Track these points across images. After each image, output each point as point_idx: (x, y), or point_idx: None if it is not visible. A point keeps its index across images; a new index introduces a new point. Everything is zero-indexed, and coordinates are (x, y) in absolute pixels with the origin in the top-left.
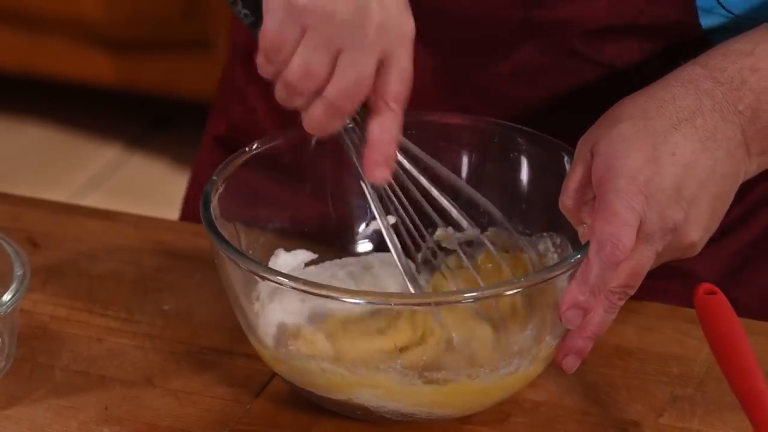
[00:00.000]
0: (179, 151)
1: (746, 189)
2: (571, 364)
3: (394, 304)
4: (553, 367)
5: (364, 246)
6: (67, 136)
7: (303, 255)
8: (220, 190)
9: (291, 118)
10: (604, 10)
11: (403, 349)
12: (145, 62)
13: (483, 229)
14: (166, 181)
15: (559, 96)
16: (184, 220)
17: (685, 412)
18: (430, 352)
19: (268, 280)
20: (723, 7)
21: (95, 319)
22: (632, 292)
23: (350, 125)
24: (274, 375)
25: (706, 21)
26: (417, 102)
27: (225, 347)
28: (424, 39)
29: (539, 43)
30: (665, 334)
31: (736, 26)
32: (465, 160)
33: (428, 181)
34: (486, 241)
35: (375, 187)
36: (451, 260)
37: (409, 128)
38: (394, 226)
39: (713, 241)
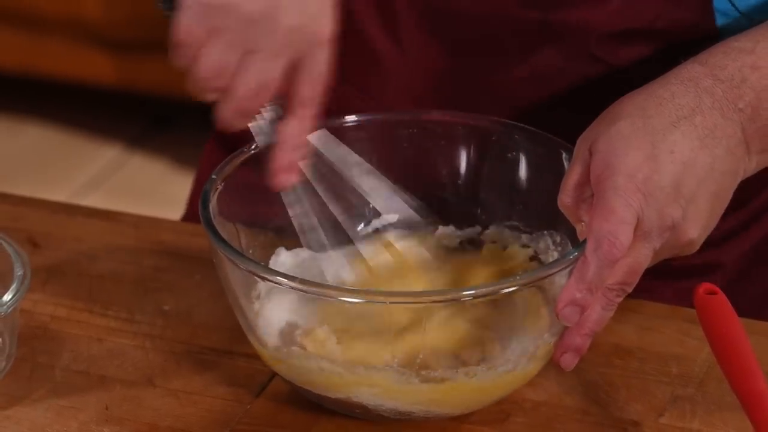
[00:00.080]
0: (179, 151)
1: (748, 195)
2: (569, 361)
3: (391, 303)
4: (553, 366)
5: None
6: (67, 136)
7: (304, 253)
8: (220, 189)
9: None
10: (619, 14)
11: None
12: (146, 62)
13: (483, 227)
14: (167, 181)
15: (573, 98)
16: (188, 219)
17: (685, 411)
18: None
19: (267, 280)
20: (737, 8)
21: (95, 319)
22: (630, 290)
23: (265, 122)
24: (274, 375)
25: (720, 22)
26: (432, 103)
27: (225, 347)
28: (440, 40)
29: (556, 47)
30: (665, 333)
31: (746, 25)
32: (464, 159)
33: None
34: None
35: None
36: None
37: (409, 127)
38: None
39: (716, 245)
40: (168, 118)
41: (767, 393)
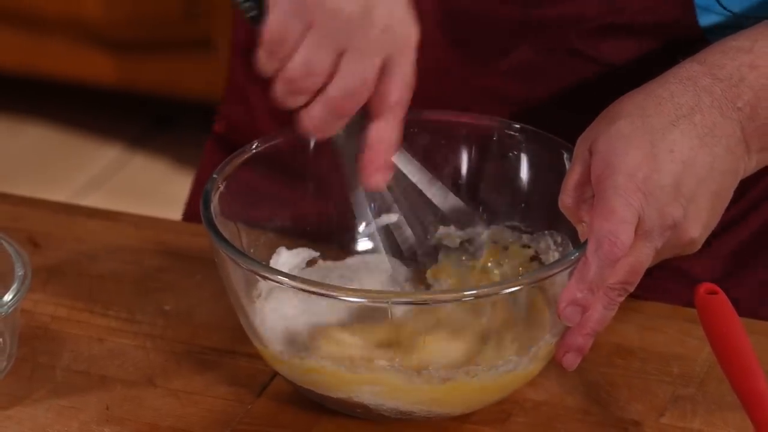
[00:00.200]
0: (180, 152)
1: (747, 185)
2: (571, 361)
3: (392, 303)
4: (554, 366)
5: (364, 244)
6: (67, 136)
7: (305, 253)
8: (221, 188)
9: (291, 118)
10: (598, 8)
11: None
12: (146, 62)
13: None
14: (167, 181)
15: (557, 95)
16: (188, 219)
17: (686, 411)
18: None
19: (269, 279)
20: (721, 5)
21: (96, 319)
22: (631, 289)
23: (342, 131)
24: (275, 374)
25: (704, 19)
26: (415, 101)
27: (226, 347)
28: (422, 37)
29: (538, 41)
30: (666, 333)
31: (735, 24)
32: (465, 159)
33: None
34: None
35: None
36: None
37: (409, 127)
38: (394, 225)
39: (713, 236)
40: (169, 118)
41: None
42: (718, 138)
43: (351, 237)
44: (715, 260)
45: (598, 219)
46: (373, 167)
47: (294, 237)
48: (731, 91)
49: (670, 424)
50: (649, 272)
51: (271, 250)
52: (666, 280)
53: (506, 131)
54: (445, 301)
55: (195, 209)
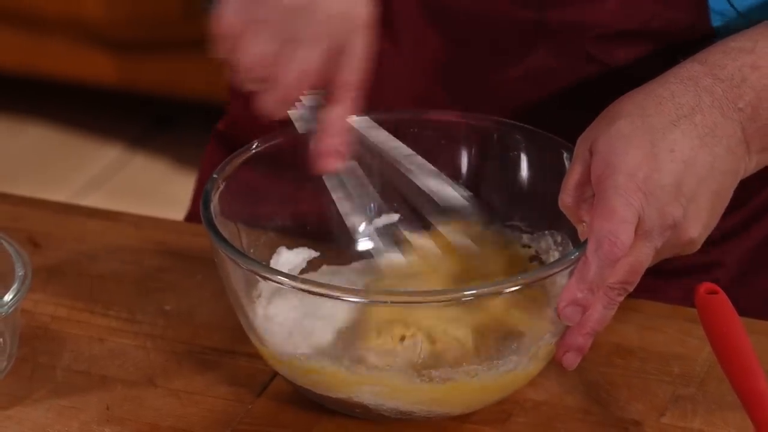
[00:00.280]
0: (181, 151)
1: (751, 193)
2: (571, 360)
3: (392, 303)
4: (554, 366)
5: (365, 244)
6: (68, 136)
7: (305, 253)
8: (221, 188)
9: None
10: (615, 14)
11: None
12: (147, 62)
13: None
14: (168, 181)
15: (570, 98)
16: (191, 219)
17: (686, 411)
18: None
19: (269, 279)
20: (734, 7)
21: (96, 319)
22: (631, 289)
23: (304, 115)
24: (275, 374)
25: (717, 22)
26: (427, 102)
27: (226, 347)
28: (437, 39)
29: (552, 46)
30: (667, 333)
31: (743, 25)
32: (465, 158)
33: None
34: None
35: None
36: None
37: (409, 126)
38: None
39: (716, 244)
40: (169, 118)
41: None
42: (718, 138)
43: (351, 237)
44: (717, 269)
45: (598, 219)
46: (324, 150)
47: (294, 237)
48: (732, 91)
49: (670, 423)
50: (648, 273)
51: (272, 250)
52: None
53: (506, 131)
54: (446, 301)
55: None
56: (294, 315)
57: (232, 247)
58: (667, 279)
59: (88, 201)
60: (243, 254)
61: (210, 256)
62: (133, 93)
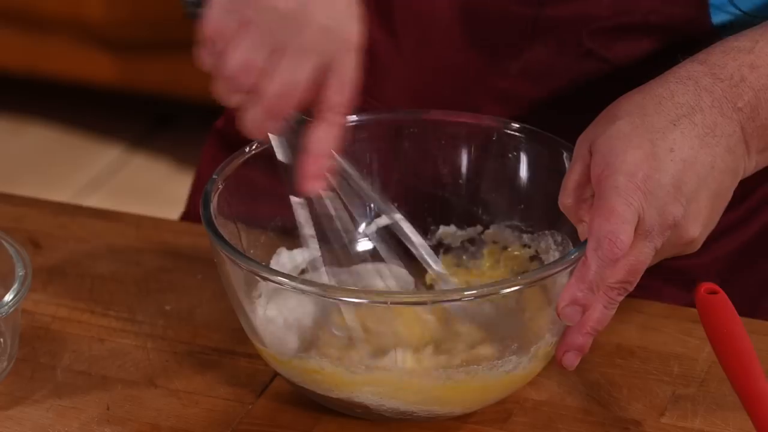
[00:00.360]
0: (182, 151)
1: (747, 191)
2: (571, 360)
3: (391, 303)
4: (555, 366)
5: (365, 244)
6: (69, 136)
7: (305, 253)
8: (221, 188)
9: None
10: (613, 9)
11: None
12: (148, 62)
13: (484, 227)
14: (169, 181)
15: (569, 95)
16: (187, 218)
17: (686, 411)
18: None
19: (269, 279)
20: (734, 4)
21: (97, 319)
22: (631, 288)
23: (284, 134)
24: (275, 375)
25: (717, 18)
26: (428, 101)
27: (227, 347)
28: (435, 37)
29: (550, 42)
30: (667, 333)
31: (746, 24)
32: (465, 159)
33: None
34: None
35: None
36: (449, 259)
37: (409, 127)
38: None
39: (713, 240)
40: (170, 118)
41: None
42: (718, 138)
43: (351, 237)
44: (715, 264)
45: (597, 219)
46: (307, 173)
47: (294, 237)
48: (732, 91)
49: (670, 423)
50: (649, 272)
51: (271, 251)
52: (665, 281)
53: (506, 131)
54: (445, 301)
55: (194, 209)
56: (294, 315)
57: (231, 247)
58: (667, 279)
59: (88, 201)
60: (243, 254)
61: (210, 257)
62: (134, 93)
